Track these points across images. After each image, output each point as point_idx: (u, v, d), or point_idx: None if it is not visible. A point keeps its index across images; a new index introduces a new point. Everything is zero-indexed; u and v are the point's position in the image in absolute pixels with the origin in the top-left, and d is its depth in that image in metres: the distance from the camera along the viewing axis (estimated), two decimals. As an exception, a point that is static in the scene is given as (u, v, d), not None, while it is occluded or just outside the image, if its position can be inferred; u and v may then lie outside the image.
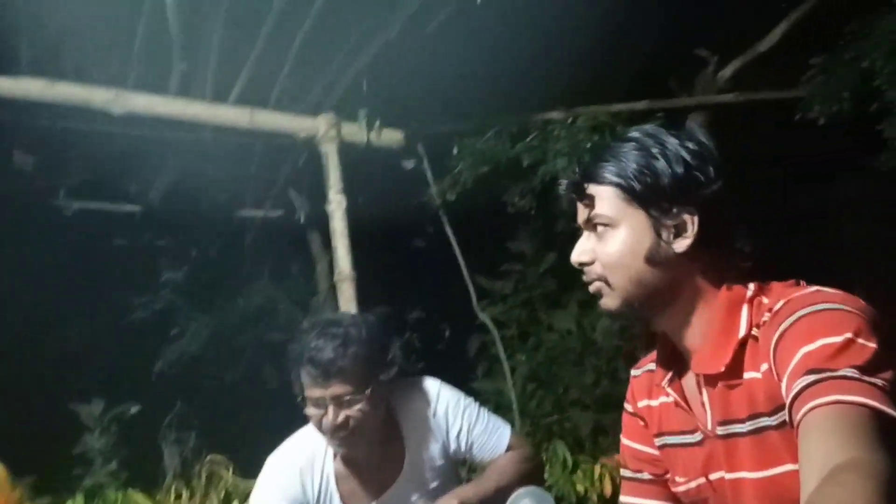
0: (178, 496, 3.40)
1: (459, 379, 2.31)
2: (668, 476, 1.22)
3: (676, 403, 1.16)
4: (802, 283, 1.08)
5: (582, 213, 1.14)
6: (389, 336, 1.84)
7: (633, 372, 1.31)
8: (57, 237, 4.54)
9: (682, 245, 1.07)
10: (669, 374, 1.17)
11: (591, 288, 1.13)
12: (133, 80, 3.35)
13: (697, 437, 1.13)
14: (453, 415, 1.83)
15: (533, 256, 4.43)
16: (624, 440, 1.30)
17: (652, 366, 1.24)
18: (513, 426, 4.09)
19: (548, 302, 4.41)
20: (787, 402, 0.92)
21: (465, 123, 3.81)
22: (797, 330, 0.96)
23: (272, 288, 4.83)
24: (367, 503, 1.83)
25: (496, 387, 4.25)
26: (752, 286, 1.09)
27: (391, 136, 3.74)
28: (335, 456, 1.82)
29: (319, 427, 1.70)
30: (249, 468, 3.56)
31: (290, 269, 4.89)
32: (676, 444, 1.18)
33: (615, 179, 1.10)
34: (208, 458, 3.59)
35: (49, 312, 4.54)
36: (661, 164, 1.09)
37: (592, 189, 1.12)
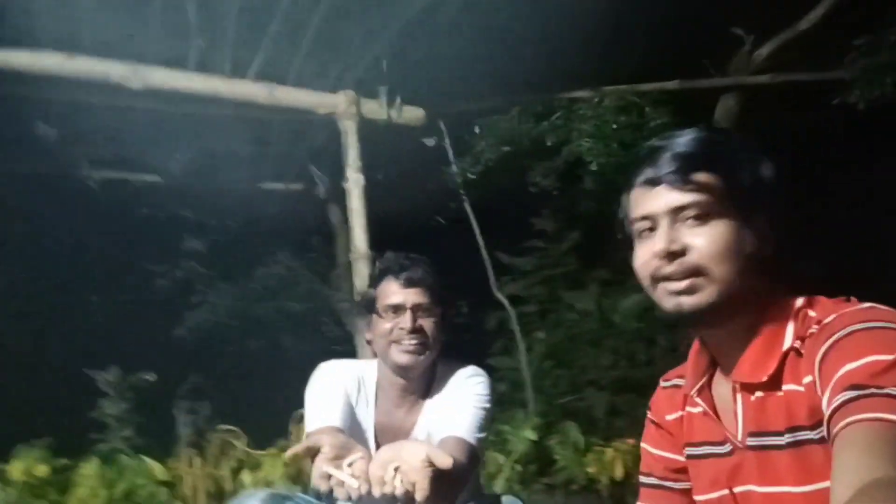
0: (191, 464, 3.48)
1: (476, 354, 2.34)
2: (691, 486, 1.19)
3: (705, 413, 1.13)
4: (853, 299, 1.05)
5: (667, 200, 1.05)
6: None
7: (662, 384, 1.29)
8: (80, 207, 4.58)
9: (763, 249, 1.04)
10: (700, 384, 1.15)
11: (682, 285, 1.04)
12: (152, 55, 3.31)
13: (725, 448, 1.10)
14: (463, 395, 1.85)
15: (555, 235, 4.37)
16: (649, 448, 1.27)
17: (679, 380, 1.22)
18: (526, 405, 4.18)
19: (568, 281, 4.37)
20: (827, 414, 0.90)
21: (487, 102, 3.72)
22: (846, 345, 0.94)
23: (292, 260, 4.83)
24: (391, 434, 1.88)
25: (512, 363, 4.24)
26: (801, 299, 1.06)
27: (412, 114, 3.67)
28: (376, 383, 1.91)
29: (389, 334, 1.79)
30: (262, 440, 3.63)
31: (310, 242, 4.89)
32: (701, 455, 1.16)
33: (724, 170, 1.04)
34: (221, 428, 3.65)
35: (72, 281, 4.60)
36: (762, 165, 1.06)
37: (698, 176, 1.04)
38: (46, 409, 3.81)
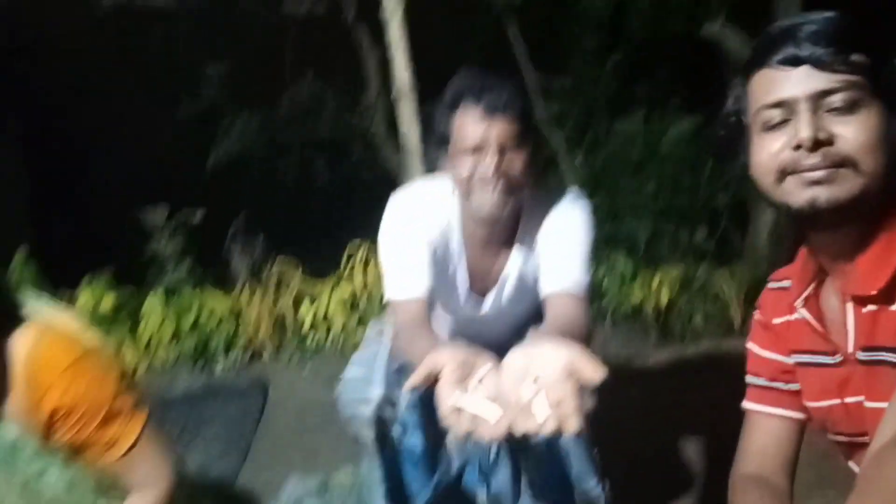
0: (252, 297, 3.51)
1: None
2: (800, 390, 1.17)
3: (807, 323, 1.10)
4: None
5: (811, 84, 0.95)
6: None
7: (770, 284, 1.24)
8: (91, 33, 4.28)
9: None
10: (806, 294, 1.10)
11: (823, 173, 0.94)
12: None
13: (835, 358, 1.07)
14: (566, 232, 1.61)
15: (597, 55, 4.14)
16: (757, 348, 1.24)
17: (787, 282, 1.17)
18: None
19: (609, 105, 4.22)
20: None
21: None
22: None
23: (318, 86, 4.62)
24: (481, 278, 1.70)
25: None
26: None
27: (453, -75, 3.31)
28: (460, 221, 1.65)
29: (469, 179, 1.50)
30: (318, 269, 3.68)
31: (335, 68, 4.65)
32: (810, 364, 1.12)
33: (877, 54, 0.95)
34: (277, 259, 3.65)
35: (90, 114, 4.40)
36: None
37: (850, 57, 0.94)
38: (98, 248, 3.83)
